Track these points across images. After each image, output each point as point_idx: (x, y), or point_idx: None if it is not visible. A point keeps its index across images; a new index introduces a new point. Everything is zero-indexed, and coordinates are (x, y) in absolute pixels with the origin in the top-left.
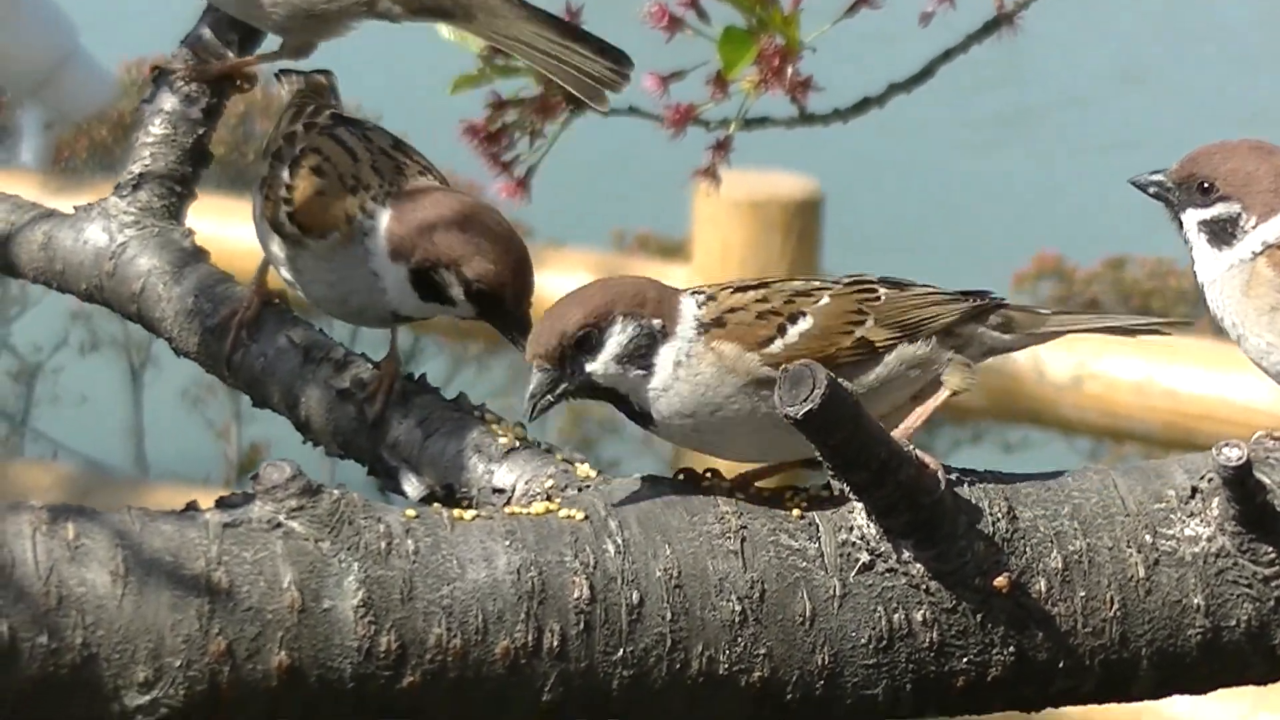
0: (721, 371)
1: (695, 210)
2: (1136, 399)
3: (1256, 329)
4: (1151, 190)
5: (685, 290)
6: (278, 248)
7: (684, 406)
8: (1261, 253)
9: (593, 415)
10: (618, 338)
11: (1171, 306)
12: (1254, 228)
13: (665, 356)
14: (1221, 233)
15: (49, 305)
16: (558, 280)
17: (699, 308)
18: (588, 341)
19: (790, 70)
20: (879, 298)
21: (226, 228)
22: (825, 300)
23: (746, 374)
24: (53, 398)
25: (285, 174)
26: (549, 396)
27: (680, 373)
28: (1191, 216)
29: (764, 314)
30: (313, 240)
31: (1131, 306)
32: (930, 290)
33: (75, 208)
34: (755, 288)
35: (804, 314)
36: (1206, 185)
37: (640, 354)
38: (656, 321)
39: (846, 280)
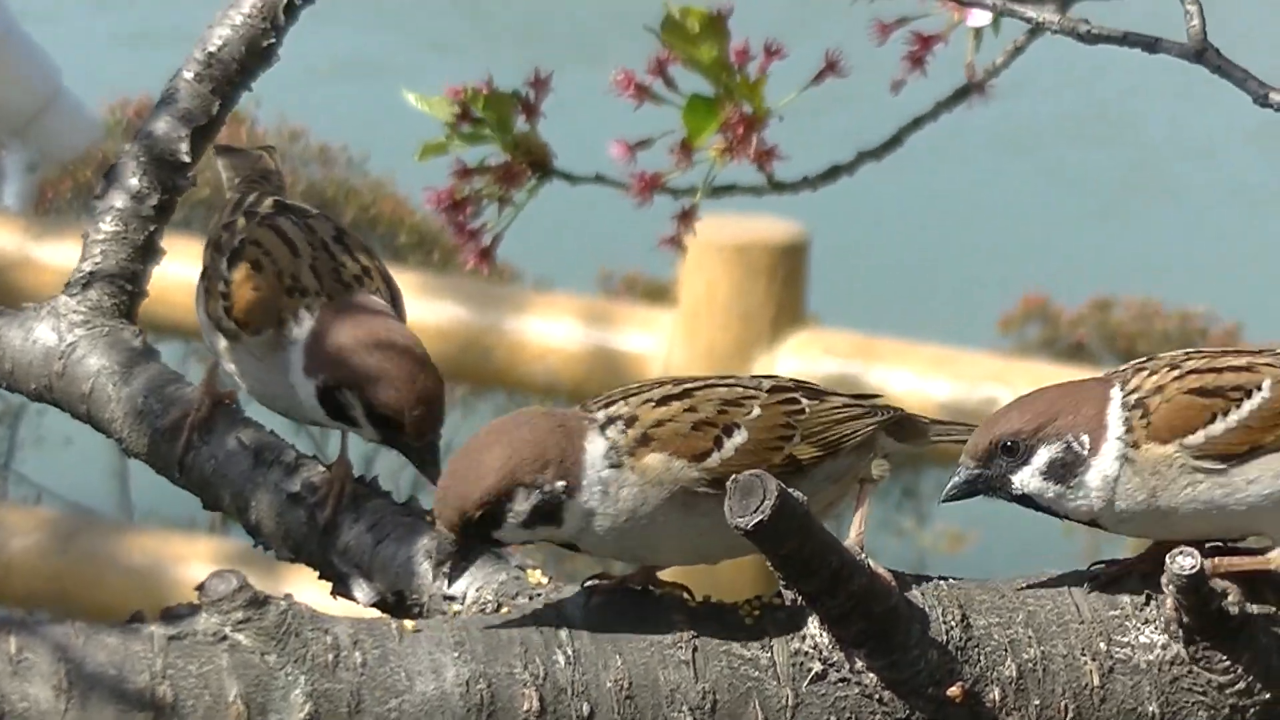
0: (645, 487)
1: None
2: None
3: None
4: (966, 489)
5: (598, 417)
6: (217, 340)
7: (606, 537)
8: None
9: None
10: (519, 508)
11: (1157, 347)
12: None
13: (573, 512)
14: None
15: None
16: (543, 325)
17: (615, 437)
18: (489, 518)
19: (755, 139)
20: (803, 410)
21: None
22: (756, 412)
23: (674, 483)
24: (36, 440)
25: (224, 267)
26: (464, 563)
27: (597, 512)
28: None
29: (699, 425)
30: (248, 335)
31: (1117, 349)
32: (844, 401)
33: (23, 306)
34: (679, 397)
35: (738, 426)
36: (1011, 444)
37: (547, 517)
38: (560, 484)
39: (767, 387)
